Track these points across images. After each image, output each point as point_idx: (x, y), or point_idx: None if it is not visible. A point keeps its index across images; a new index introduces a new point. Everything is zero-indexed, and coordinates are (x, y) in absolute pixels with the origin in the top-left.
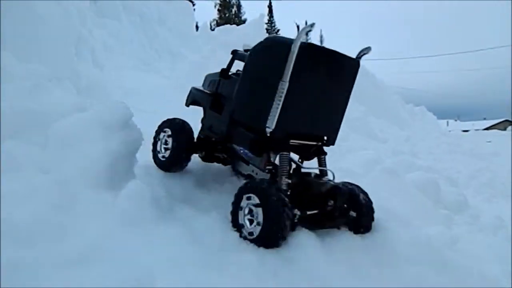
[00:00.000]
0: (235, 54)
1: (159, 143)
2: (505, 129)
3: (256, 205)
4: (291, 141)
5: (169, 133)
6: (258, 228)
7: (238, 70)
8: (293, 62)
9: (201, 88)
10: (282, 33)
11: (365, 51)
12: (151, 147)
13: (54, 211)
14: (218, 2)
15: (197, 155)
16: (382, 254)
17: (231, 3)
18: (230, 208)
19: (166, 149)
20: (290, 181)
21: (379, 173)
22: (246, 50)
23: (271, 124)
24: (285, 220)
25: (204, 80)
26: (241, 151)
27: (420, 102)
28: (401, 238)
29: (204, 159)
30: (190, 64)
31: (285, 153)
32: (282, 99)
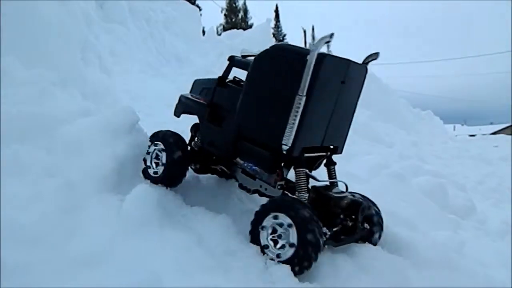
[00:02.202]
0: (233, 61)
1: (148, 157)
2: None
3: (288, 225)
4: (307, 154)
5: (161, 146)
6: (290, 251)
7: (235, 77)
8: (310, 74)
9: (192, 96)
10: (288, 38)
11: (373, 56)
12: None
13: (60, 215)
14: (225, 7)
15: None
16: (389, 258)
17: (238, 7)
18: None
19: (157, 164)
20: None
21: (386, 177)
22: (244, 56)
23: (288, 141)
24: (320, 241)
25: (193, 86)
26: (245, 165)
27: (427, 106)
28: (408, 243)
29: (197, 171)
30: (196, 69)
31: (300, 169)
32: (299, 114)
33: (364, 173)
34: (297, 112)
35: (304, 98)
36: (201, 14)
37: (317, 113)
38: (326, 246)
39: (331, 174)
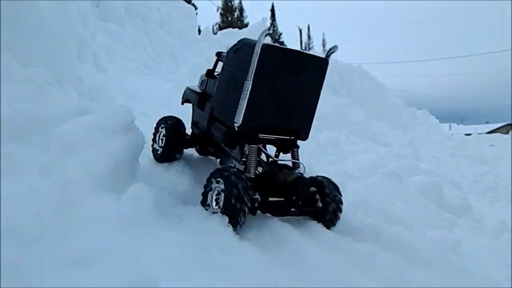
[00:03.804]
0: (219, 56)
1: (157, 137)
2: (507, 132)
3: (222, 190)
4: (263, 135)
5: (164, 131)
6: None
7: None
8: (256, 62)
9: (193, 87)
10: (284, 36)
11: (333, 49)
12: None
13: (55, 214)
14: (221, 6)
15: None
16: (387, 258)
17: (234, 7)
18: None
19: (162, 142)
20: (257, 171)
21: (382, 176)
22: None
23: (238, 119)
24: (243, 203)
25: (199, 80)
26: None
27: (423, 105)
28: (404, 242)
29: (199, 152)
30: (192, 68)
31: (253, 145)
32: (247, 96)
33: (360, 172)
34: (246, 94)
35: (250, 83)
36: (197, 13)
37: (265, 96)
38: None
39: (294, 156)
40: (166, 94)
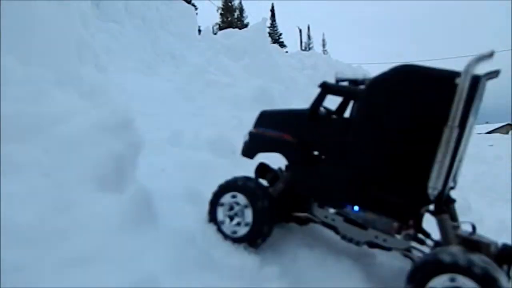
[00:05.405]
0: (326, 88)
1: (221, 210)
2: (507, 132)
3: None
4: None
5: (244, 200)
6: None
7: (325, 108)
8: (462, 101)
9: (269, 132)
10: (284, 36)
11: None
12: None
13: (55, 214)
14: (221, 6)
15: None
16: (387, 259)
17: (234, 7)
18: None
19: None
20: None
21: None
22: (338, 80)
23: (437, 184)
24: None
25: (261, 119)
26: (348, 211)
27: None
28: None
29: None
30: (192, 68)
31: (445, 214)
32: (451, 149)
33: None
34: (448, 147)
35: (456, 131)
36: (197, 13)
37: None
38: None
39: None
40: (166, 93)
